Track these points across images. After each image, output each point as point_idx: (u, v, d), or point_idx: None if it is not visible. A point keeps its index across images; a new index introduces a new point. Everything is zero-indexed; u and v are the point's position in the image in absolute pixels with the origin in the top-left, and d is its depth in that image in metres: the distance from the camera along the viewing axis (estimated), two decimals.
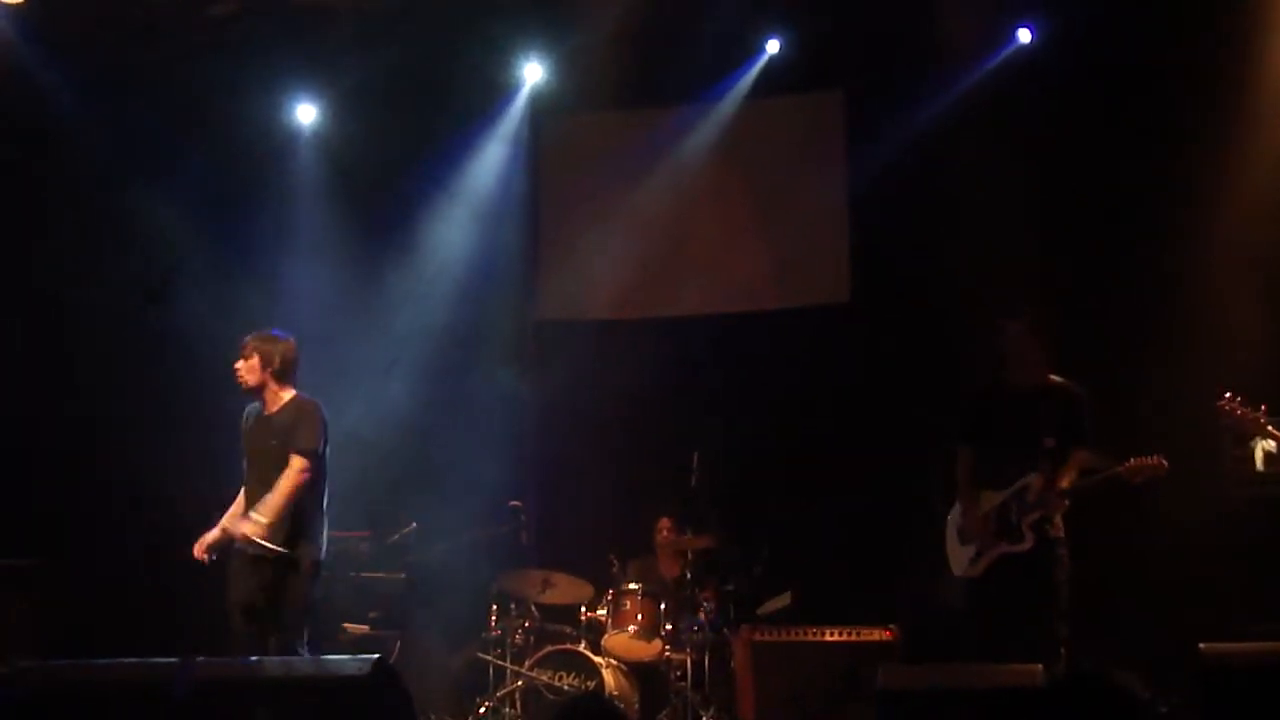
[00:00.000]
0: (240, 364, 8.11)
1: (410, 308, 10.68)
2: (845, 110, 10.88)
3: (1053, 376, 8.06)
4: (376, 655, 7.16)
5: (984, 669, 7.09)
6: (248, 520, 7.84)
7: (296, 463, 7.90)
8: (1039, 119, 9.97)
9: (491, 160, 11.15)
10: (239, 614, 7.93)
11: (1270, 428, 7.73)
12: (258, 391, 8.12)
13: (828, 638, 8.66)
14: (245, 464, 8.15)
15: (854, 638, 8.58)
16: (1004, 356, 8.16)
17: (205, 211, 10.62)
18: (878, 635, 8.55)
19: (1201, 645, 6.60)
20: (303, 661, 7.18)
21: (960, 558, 8.16)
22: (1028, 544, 7.87)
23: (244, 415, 8.22)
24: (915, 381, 9.91)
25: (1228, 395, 7.82)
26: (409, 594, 9.65)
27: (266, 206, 10.91)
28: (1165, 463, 7.74)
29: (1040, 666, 6.71)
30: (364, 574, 9.80)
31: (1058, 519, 8.00)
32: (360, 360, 9.63)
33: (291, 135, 11.20)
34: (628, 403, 10.56)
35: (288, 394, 8.16)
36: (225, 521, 8.04)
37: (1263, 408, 7.77)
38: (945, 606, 8.38)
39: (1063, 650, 7.71)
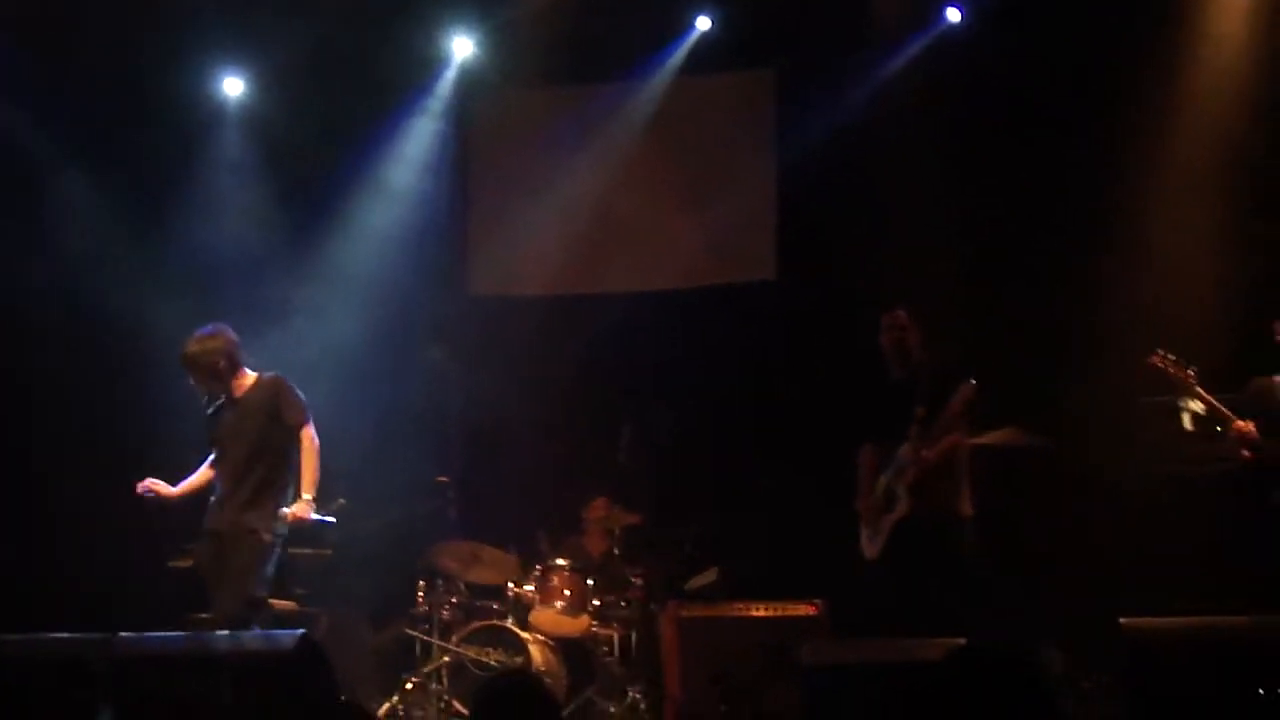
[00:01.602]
0: (197, 382, 8.15)
1: (339, 284, 10.59)
2: (775, 89, 10.90)
3: (930, 354, 8.41)
4: (301, 631, 7.17)
5: (906, 643, 7.17)
6: (303, 503, 8.01)
7: (308, 436, 8.08)
8: (969, 98, 10.03)
9: (420, 136, 11.07)
10: (235, 590, 7.97)
11: (1199, 389, 7.86)
12: (224, 390, 8.16)
13: (754, 613, 8.70)
14: (214, 449, 8.22)
15: (780, 613, 8.63)
16: (888, 349, 8.53)
17: (131, 184, 10.50)
18: (803, 610, 8.60)
19: (1123, 620, 6.70)
20: (227, 637, 7.14)
21: (865, 541, 8.46)
22: (903, 508, 8.15)
23: (204, 401, 8.27)
24: (841, 358, 9.95)
25: (1160, 352, 7.95)
26: (335, 570, 9.58)
27: (193, 180, 10.79)
28: (973, 383, 8.05)
29: (961, 641, 6.80)
30: (290, 549, 9.74)
31: (964, 495, 8.21)
32: (288, 336, 9.54)
33: (218, 108, 11.07)
34: (557, 379, 10.55)
35: (249, 377, 8.22)
36: (225, 511, 8.08)
37: (1193, 369, 7.90)
38: (864, 583, 8.53)
39: (972, 623, 7.83)
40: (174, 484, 8.29)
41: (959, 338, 8.93)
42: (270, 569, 8.12)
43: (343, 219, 10.87)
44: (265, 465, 8.10)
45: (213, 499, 8.21)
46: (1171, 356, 7.96)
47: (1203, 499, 8.73)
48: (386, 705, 9.22)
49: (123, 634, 7.17)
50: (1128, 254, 9.51)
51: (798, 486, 9.89)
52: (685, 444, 10.39)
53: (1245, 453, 7.84)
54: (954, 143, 9.95)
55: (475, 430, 10.27)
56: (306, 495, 8.06)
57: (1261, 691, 6.34)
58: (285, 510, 8.07)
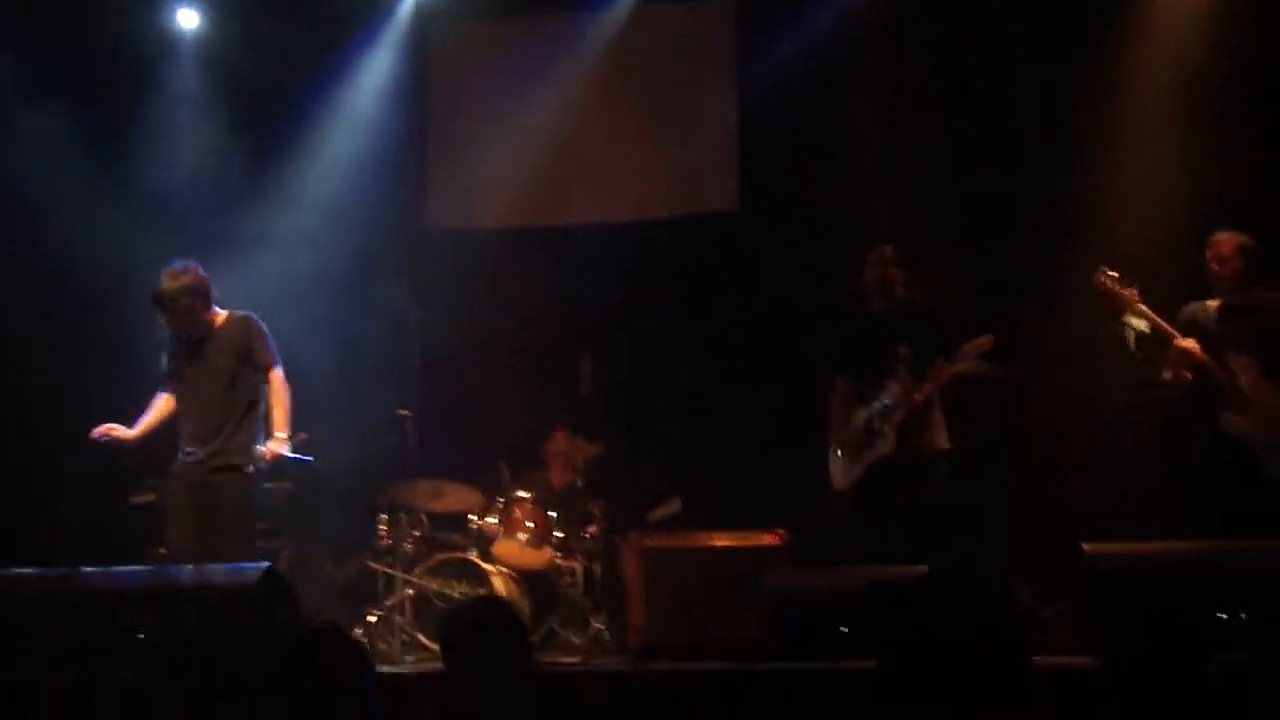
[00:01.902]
0: (172, 320, 8.10)
1: (298, 217, 10.50)
2: (736, 19, 10.84)
3: (910, 293, 8.60)
4: (266, 564, 7.18)
5: (867, 570, 7.24)
6: (278, 441, 8.09)
7: (278, 377, 8.17)
8: (933, 29, 10.01)
9: (379, 67, 10.96)
10: (202, 536, 7.97)
11: (1143, 305, 7.90)
12: (197, 327, 8.14)
13: (716, 543, 8.72)
14: (179, 386, 8.21)
15: (743, 542, 8.64)
16: (868, 284, 8.68)
17: (86, 118, 10.39)
18: (766, 540, 8.62)
19: (1085, 546, 6.76)
20: (193, 570, 7.13)
21: (839, 471, 8.61)
22: (889, 445, 8.32)
23: (169, 339, 8.24)
24: (803, 291, 9.98)
25: (1104, 269, 8.01)
26: (297, 504, 9.57)
27: (149, 113, 10.68)
28: (990, 338, 8.26)
29: (922, 567, 6.86)
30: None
31: (940, 432, 8.34)
32: (246, 269, 9.48)
33: (172, 41, 10.92)
34: (518, 312, 10.50)
35: (220, 314, 8.22)
36: (202, 449, 8.06)
37: (1136, 288, 7.93)
38: (831, 513, 8.59)
39: (944, 556, 7.90)
40: (130, 424, 8.23)
41: (923, 269, 8.95)
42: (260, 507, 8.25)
43: (301, 152, 10.77)
44: (241, 403, 8.12)
45: (185, 436, 8.17)
46: (1115, 274, 8.00)
47: (1158, 426, 8.79)
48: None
49: (86, 569, 7.19)
50: (1092, 180, 9.53)
51: (760, 418, 9.93)
52: (646, 376, 10.37)
53: (1186, 374, 7.85)
54: (917, 72, 9.94)
55: (436, 364, 10.24)
56: (281, 434, 8.12)
57: (1221, 615, 6.42)
58: (260, 448, 8.09)
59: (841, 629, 7.03)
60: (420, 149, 11.32)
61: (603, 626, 9.13)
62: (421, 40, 11.17)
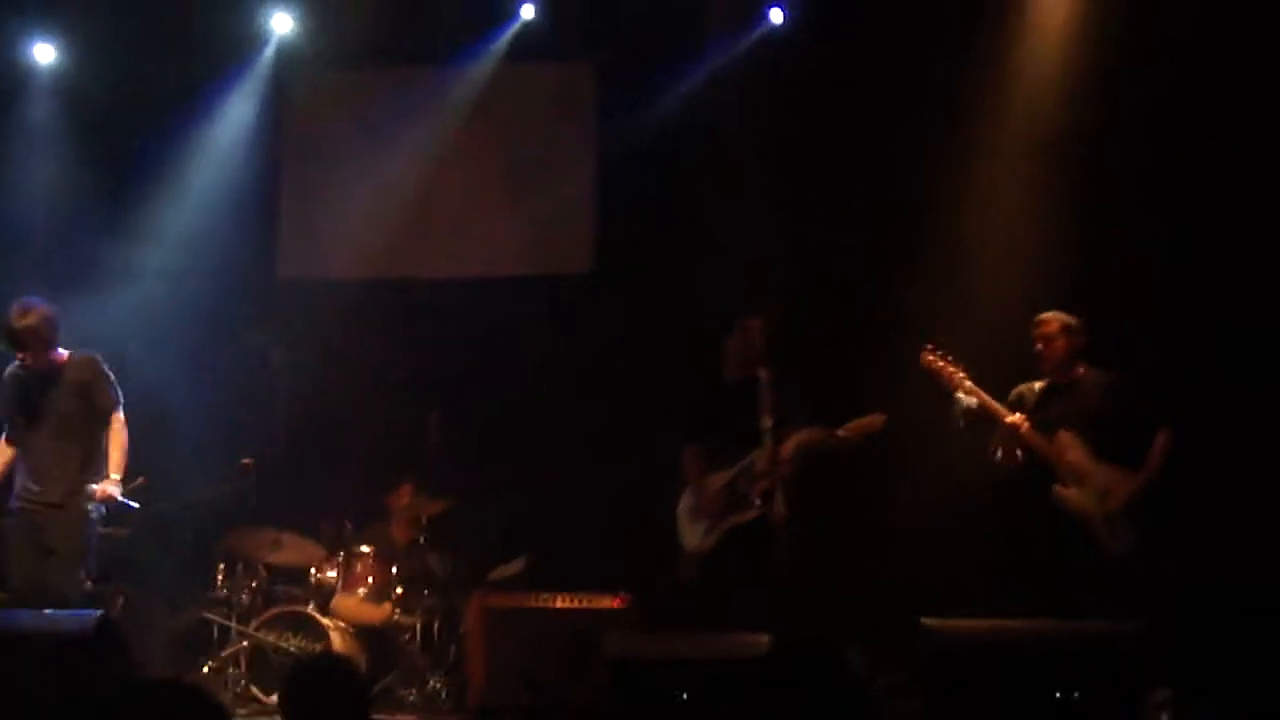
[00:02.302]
0: (24, 354, 8.09)
1: (152, 258, 10.37)
2: (596, 81, 10.87)
3: (770, 367, 8.61)
4: (100, 612, 7.04)
5: (711, 637, 7.25)
6: (111, 482, 8.07)
7: (118, 420, 8.18)
8: (791, 96, 10.11)
9: (236, 111, 10.83)
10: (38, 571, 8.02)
11: (970, 383, 8.02)
12: (43, 363, 8.12)
13: (559, 604, 8.69)
14: (19, 421, 8.23)
15: (585, 604, 8.63)
16: (730, 351, 8.72)
17: None
18: (608, 603, 8.61)
19: (924, 620, 6.82)
20: (24, 615, 6.98)
21: (692, 534, 8.56)
22: (755, 511, 8.38)
23: (8, 375, 8.23)
24: (654, 354, 10.01)
25: (929, 348, 8.14)
26: (132, 550, 9.40)
27: (2, 147, 10.51)
28: (882, 416, 8.38)
29: (765, 636, 6.89)
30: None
31: (780, 498, 8.38)
32: (97, 308, 9.33)
33: (27, 75, 10.77)
34: (370, 363, 10.46)
35: (63, 354, 8.21)
36: (43, 488, 8.11)
37: (962, 366, 8.05)
38: (676, 578, 8.61)
39: (783, 622, 7.96)
40: None
41: (776, 335, 9.03)
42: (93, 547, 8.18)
43: (158, 190, 10.59)
44: (83, 443, 8.13)
45: (24, 472, 8.15)
46: (940, 353, 8.11)
47: (996, 500, 8.90)
48: None
49: None
50: (948, 249, 9.65)
51: (608, 479, 9.93)
52: (494, 433, 10.35)
53: (1015, 451, 7.98)
54: (775, 139, 10.06)
55: (287, 413, 10.13)
56: (115, 475, 8.10)
57: (1058, 695, 6.51)
58: (93, 487, 8.03)
59: (682, 696, 7.03)
60: (273, 196, 11.21)
61: (440, 685, 9.07)
62: (280, 86, 11.06)
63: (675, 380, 9.38)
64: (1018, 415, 7.94)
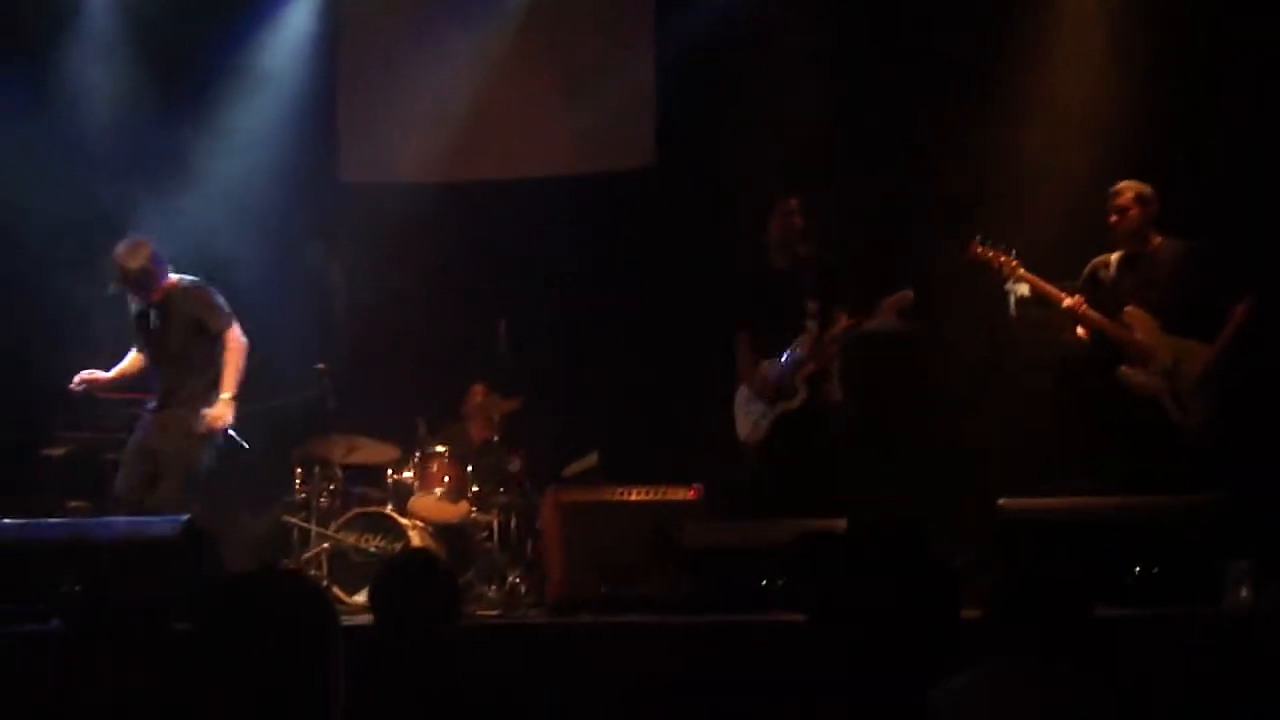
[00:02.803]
0: (130, 291, 8.45)
1: (214, 172, 10.41)
2: None
3: (813, 247, 8.65)
4: (187, 516, 7.17)
5: (785, 523, 7.32)
6: (223, 403, 8.41)
7: (234, 339, 8.46)
8: None
9: (293, 19, 10.83)
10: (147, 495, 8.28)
11: (1021, 270, 7.99)
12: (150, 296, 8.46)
13: (633, 498, 8.73)
14: (144, 348, 8.60)
15: (659, 497, 8.66)
16: (775, 235, 8.73)
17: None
18: (682, 494, 8.64)
19: (1000, 501, 6.87)
20: (115, 522, 7.13)
21: (745, 424, 8.68)
22: (800, 398, 8.43)
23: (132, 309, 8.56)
24: (721, 246, 10.00)
25: (977, 240, 8.12)
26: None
27: (61, 66, 10.53)
28: (909, 292, 8.30)
29: (842, 520, 6.96)
30: None
31: (835, 383, 8.46)
32: (165, 226, 9.40)
33: None
34: (435, 267, 10.51)
35: (171, 281, 8.52)
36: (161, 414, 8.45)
37: (1013, 252, 8.01)
38: (736, 469, 8.69)
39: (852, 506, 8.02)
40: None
41: (838, 228, 9.03)
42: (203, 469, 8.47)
43: (215, 102, 10.60)
44: (204, 369, 8.42)
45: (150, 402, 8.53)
46: (989, 242, 8.11)
47: (1064, 381, 8.89)
48: None
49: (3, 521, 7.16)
50: (1006, 141, 9.60)
51: (676, 372, 9.98)
52: (564, 331, 10.40)
53: (1079, 330, 7.98)
54: (838, 34, 9.99)
55: (355, 319, 10.20)
56: (225, 394, 8.41)
57: (1137, 570, 6.55)
58: (206, 412, 8.33)
59: (763, 582, 7.12)
60: (333, 101, 11.23)
61: (519, 580, 9.15)
62: None
63: (726, 269, 9.36)
64: (1074, 297, 7.91)
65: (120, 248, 8.34)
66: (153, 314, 8.50)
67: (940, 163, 9.76)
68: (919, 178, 9.90)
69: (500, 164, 10.91)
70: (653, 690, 6.49)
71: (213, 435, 8.43)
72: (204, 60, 10.66)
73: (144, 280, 8.36)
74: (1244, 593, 6.76)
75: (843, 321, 8.43)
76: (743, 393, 8.74)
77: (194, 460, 8.41)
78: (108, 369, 8.68)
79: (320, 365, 9.61)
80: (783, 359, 8.54)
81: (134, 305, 8.60)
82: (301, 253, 10.40)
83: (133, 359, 8.69)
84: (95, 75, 10.51)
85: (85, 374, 8.51)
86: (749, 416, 8.67)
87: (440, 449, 9.58)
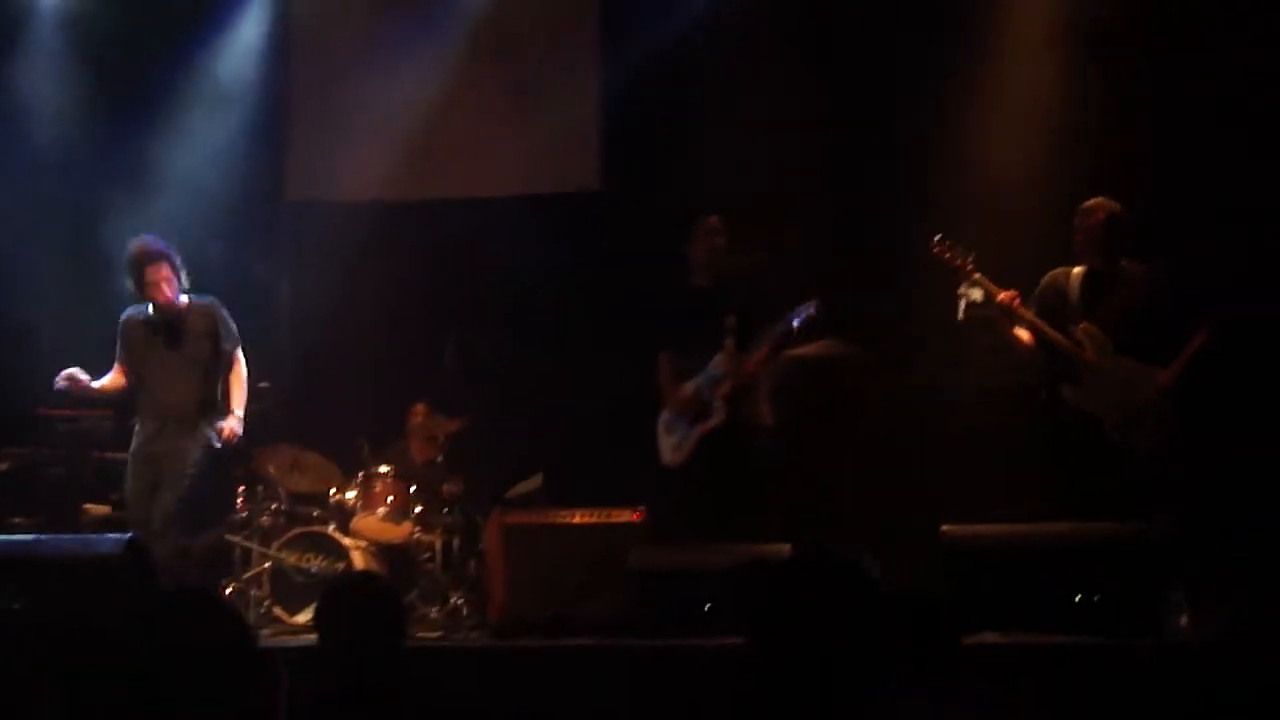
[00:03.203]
0: (160, 289, 8.39)
1: (160, 188, 10.36)
2: None
3: (738, 263, 8.63)
4: (129, 535, 7.13)
5: (730, 548, 7.33)
6: (235, 419, 8.57)
7: (240, 360, 8.66)
8: (799, 13, 10.09)
9: (241, 35, 10.83)
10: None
11: (976, 274, 7.92)
12: (171, 300, 8.46)
13: (577, 520, 8.72)
14: (145, 365, 8.51)
15: (603, 520, 8.66)
16: (698, 255, 8.73)
17: None
18: (626, 517, 8.65)
19: (944, 527, 6.90)
20: (56, 540, 7.09)
21: (668, 447, 8.64)
22: (719, 417, 8.35)
23: (126, 322, 8.54)
24: (663, 270, 10.02)
25: (939, 238, 8.05)
26: None
27: (8, 78, 10.49)
28: (816, 302, 8.16)
29: (786, 546, 6.98)
30: (106, 454, 9.61)
31: (763, 404, 8.40)
32: (108, 241, 9.36)
33: (29, 9, 10.72)
34: (381, 285, 10.50)
35: (184, 299, 8.56)
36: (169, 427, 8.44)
37: (971, 255, 7.98)
38: (661, 493, 8.69)
39: (784, 531, 8.02)
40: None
41: (784, 249, 9.04)
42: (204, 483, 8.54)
43: (162, 121, 10.57)
44: (205, 382, 8.48)
45: (148, 412, 8.48)
46: (949, 243, 8.02)
47: (1014, 404, 8.89)
48: None
49: None
50: (958, 166, 9.64)
51: (619, 395, 9.95)
52: (509, 351, 10.39)
53: (1023, 335, 7.88)
54: (779, 54, 10.00)
55: (301, 337, 10.18)
56: (238, 411, 8.55)
57: (1078, 598, 6.59)
58: (221, 424, 8.46)
59: (707, 606, 7.13)
60: (281, 120, 11.21)
61: (462, 602, 9.14)
62: (284, 11, 11.04)
63: (652, 290, 9.36)
64: (1006, 293, 7.82)
65: (140, 247, 8.40)
66: (164, 322, 8.49)
67: (891, 181, 9.79)
68: (867, 199, 9.89)
69: (447, 184, 10.91)
70: (597, 714, 6.48)
71: (216, 449, 8.51)
72: (152, 75, 10.64)
73: (168, 283, 8.39)
74: (1184, 621, 6.81)
75: (765, 344, 8.33)
76: (665, 415, 8.69)
77: (199, 473, 8.46)
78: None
79: (263, 383, 9.56)
80: (701, 377, 8.46)
81: (135, 314, 8.55)
82: (248, 269, 10.34)
83: (114, 377, 8.60)
84: (43, 88, 10.46)
85: (71, 372, 8.41)
86: (671, 438, 8.61)
87: (384, 469, 9.55)
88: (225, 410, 8.56)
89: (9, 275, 9.62)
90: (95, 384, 8.51)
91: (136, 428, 8.55)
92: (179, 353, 8.49)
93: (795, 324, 8.16)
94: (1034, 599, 6.71)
